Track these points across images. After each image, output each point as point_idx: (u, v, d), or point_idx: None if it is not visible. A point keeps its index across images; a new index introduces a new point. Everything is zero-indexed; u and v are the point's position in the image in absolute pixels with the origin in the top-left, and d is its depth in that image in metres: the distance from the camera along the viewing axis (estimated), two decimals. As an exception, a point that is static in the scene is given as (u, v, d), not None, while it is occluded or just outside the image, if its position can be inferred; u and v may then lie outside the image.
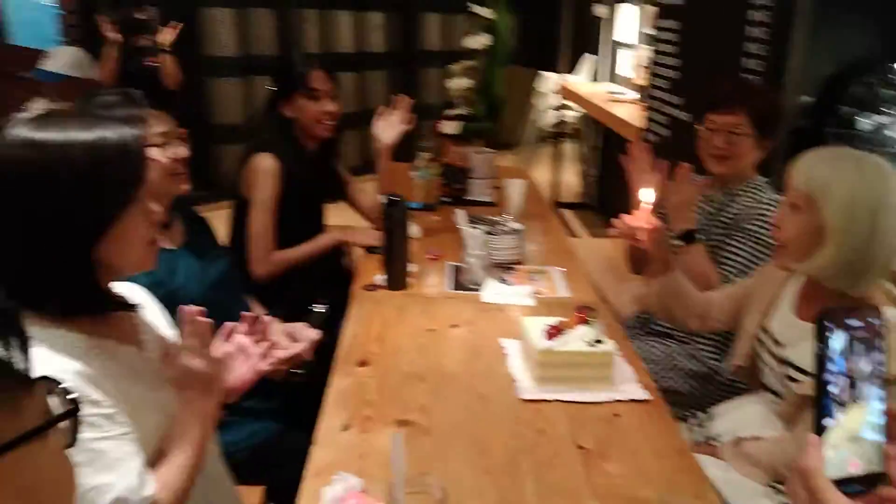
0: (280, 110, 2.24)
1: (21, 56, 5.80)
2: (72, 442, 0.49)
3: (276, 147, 2.20)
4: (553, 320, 1.55)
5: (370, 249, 2.22)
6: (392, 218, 1.93)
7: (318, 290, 1.93)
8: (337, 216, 2.58)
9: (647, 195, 1.66)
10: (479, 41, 3.10)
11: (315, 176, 2.33)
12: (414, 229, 2.25)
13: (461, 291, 1.98)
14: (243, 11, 5.19)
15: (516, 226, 2.24)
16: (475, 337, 1.73)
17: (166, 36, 3.91)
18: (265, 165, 2.16)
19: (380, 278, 1.98)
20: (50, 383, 0.48)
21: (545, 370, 1.49)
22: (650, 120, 3.48)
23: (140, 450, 1.00)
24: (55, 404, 0.48)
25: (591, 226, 4.84)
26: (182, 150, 1.60)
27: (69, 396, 0.49)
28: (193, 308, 1.10)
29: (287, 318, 1.57)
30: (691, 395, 1.92)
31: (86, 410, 0.90)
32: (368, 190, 2.54)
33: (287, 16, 5.40)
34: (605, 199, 5.12)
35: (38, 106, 0.94)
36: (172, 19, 3.98)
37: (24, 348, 0.47)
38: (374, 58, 6.16)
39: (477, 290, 1.96)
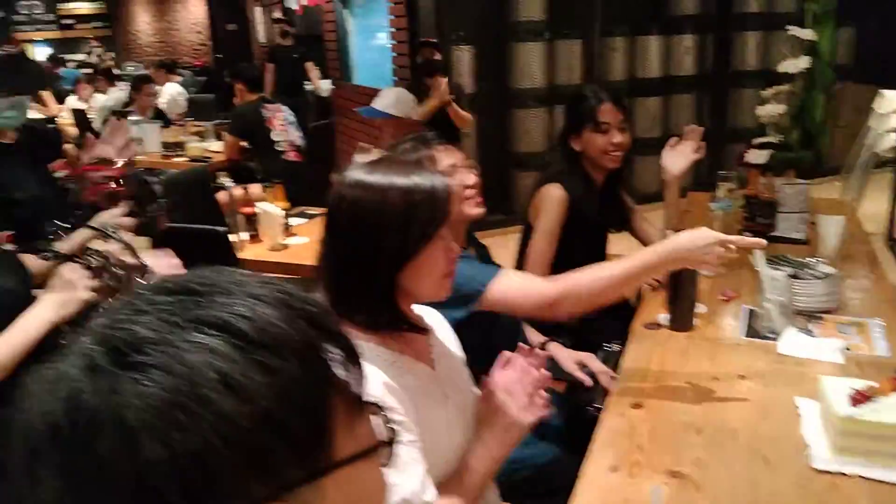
0: (570, 142, 2.28)
1: (360, 94, 6.71)
2: (389, 462, 0.55)
3: (565, 178, 2.25)
4: (860, 384, 1.35)
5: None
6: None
7: (597, 322, 1.93)
8: (618, 247, 2.52)
9: None
10: (796, 65, 2.82)
11: (601, 206, 2.33)
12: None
13: (755, 339, 1.81)
14: (551, 44, 5.37)
15: (829, 269, 2.00)
16: (766, 392, 1.57)
17: (439, 90, 4.14)
18: (552, 195, 2.21)
19: (663, 317, 1.90)
20: (376, 406, 0.55)
21: (848, 440, 1.30)
22: None
23: (423, 458, 1.09)
24: (379, 425, 0.54)
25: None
26: (470, 178, 1.71)
27: (390, 424, 0.55)
28: (518, 357, 1.20)
29: (567, 347, 1.59)
30: None
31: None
32: (654, 221, 2.46)
33: (593, 45, 5.47)
34: (957, 238, 4.30)
35: (370, 153, 1.13)
36: (486, 55, 4.28)
37: (360, 375, 0.53)
38: (681, 81, 5.96)
39: (774, 339, 1.78)
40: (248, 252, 2.73)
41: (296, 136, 4.77)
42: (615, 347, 1.60)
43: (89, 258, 1.31)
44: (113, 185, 1.82)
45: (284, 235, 2.81)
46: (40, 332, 1.28)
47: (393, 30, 5.73)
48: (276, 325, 0.47)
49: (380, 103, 3.28)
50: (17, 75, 1.75)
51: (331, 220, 1.15)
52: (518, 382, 1.31)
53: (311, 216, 3.23)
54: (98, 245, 1.34)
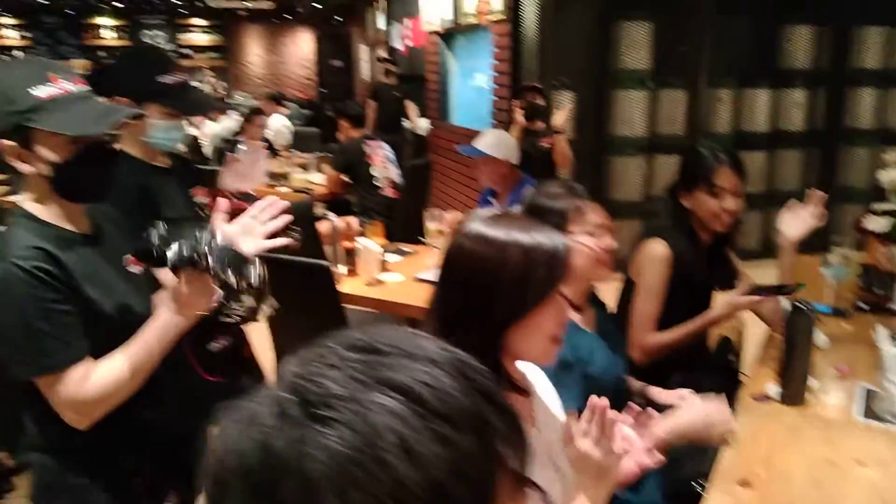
0: (679, 197, 2.22)
1: (457, 134, 6.81)
2: None
3: (670, 234, 2.19)
4: None
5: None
6: (795, 325, 1.75)
7: (700, 383, 1.85)
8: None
9: None
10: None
11: (706, 265, 2.25)
12: (820, 338, 2.01)
13: (873, 421, 1.69)
14: (654, 93, 5.31)
15: (959, 351, 1.84)
16: (889, 483, 1.46)
17: (558, 119, 4.19)
18: (656, 252, 2.15)
19: (773, 389, 1.80)
20: (534, 485, 0.56)
21: None
22: None
23: None
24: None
25: None
26: (610, 241, 1.68)
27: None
28: (602, 401, 1.15)
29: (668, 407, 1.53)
30: None
31: None
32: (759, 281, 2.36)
33: (699, 95, 5.37)
34: None
35: (490, 209, 1.13)
36: (587, 101, 4.27)
37: (523, 452, 0.54)
38: (789, 136, 5.76)
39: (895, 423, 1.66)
40: (345, 286, 2.78)
41: (394, 172, 4.87)
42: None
43: (212, 268, 1.31)
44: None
45: (381, 271, 2.85)
46: (171, 338, 1.33)
47: (495, 73, 5.81)
48: (454, 395, 0.48)
49: (481, 143, 3.30)
50: (185, 101, 1.86)
51: (446, 269, 1.15)
52: (626, 443, 1.26)
53: (405, 253, 3.27)
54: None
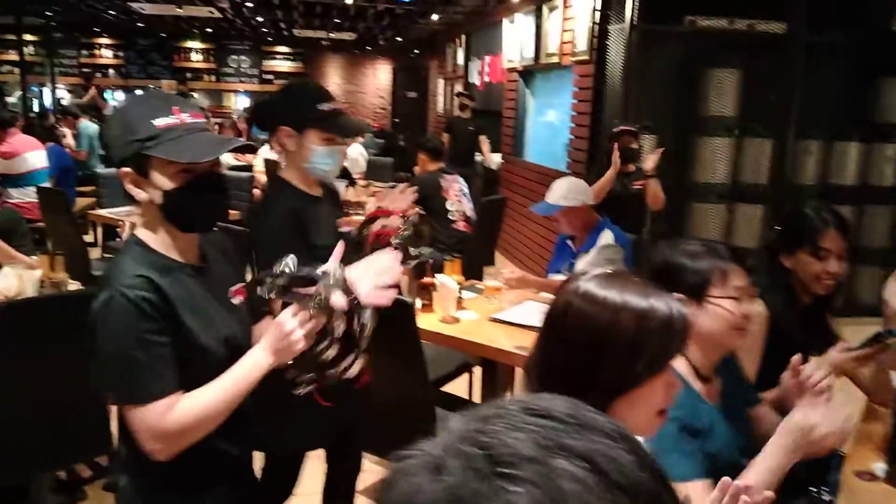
0: (780, 257, 2.13)
1: (530, 171, 6.79)
2: None
3: (768, 294, 2.09)
4: None
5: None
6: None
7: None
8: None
9: None
10: None
11: (804, 327, 2.14)
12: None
13: None
14: (740, 140, 5.18)
15: None
16: None
17: (649, 162, 4.12)
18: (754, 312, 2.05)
19: (880, 467, 1.68)
20: None
21: None
22: None
23: None
24: None
25: None
26: (753, 308, 1.58)
27: None
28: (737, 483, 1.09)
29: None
30: None
31: None
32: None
33: (786, 146, 5.21)
34: None
35: (601, 270, 1.07)
36: (667, 147, 4.20)
37: None
38: (879, 192, 5.52)
39: None
40: (420, 321, 2.76)
41: (468, 206, 4.87)
42: (825, 497, 1.41)
43: (311, 303, 1.32)
44: (394, 234, 1.96)
45: (456, 309, 2.82)
46: (259, 378, 1.33)
47: (574, 113, 5.78)
48: (633, 470, 0.48)
49: (553, 196, 3.25)
50: (341, 125, 1.95)
51: (552, 326, 1.08)
52: None
53: (480, 291, 3.24)
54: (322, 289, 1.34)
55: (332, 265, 1.37)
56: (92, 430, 2.43)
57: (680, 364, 1.50)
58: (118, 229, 3.02)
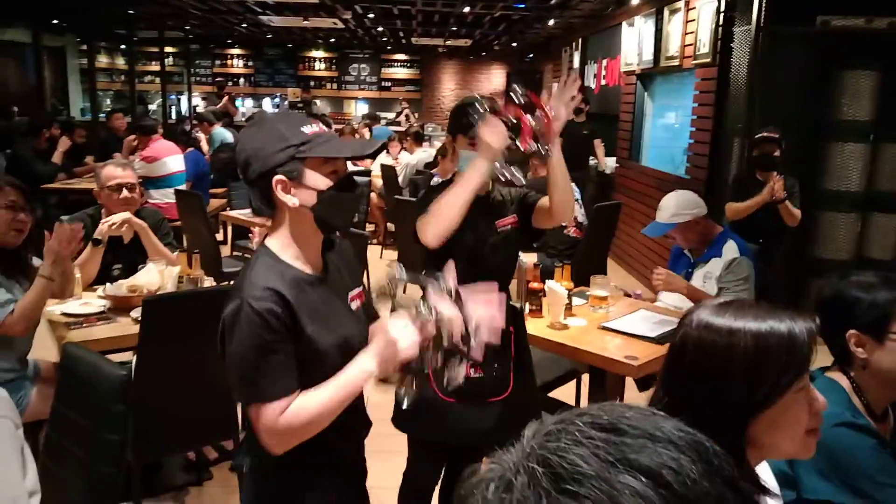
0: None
1: (646, 175, 6.64)
2: None
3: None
4: None
5: None
6: None
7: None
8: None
9: None
10: None
11: None
12: None
13: None
14: (875, 146, 4.85)
15: None
16: None
17: (776, 190, 3.96)
18: None
19: None
20: None
21: None
22: None
23: None
24: None
25: None
26: None
27: None
28: None
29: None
30: None
31: None
32: None
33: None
34: None
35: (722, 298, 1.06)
36: (795, 152, 4.01)
37: None
38: None
39: None
40: (528, 326, 2.78)
41: (579, 212, 4.83)
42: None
43: (418, 311, 1.37)
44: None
45: (566, 315, 2.82)
46: (365, 383, 1.40)
47: (695, 117, 5.61)
48: (698, 482, 0.48)
49: (662, 216, 3.18)
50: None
51: (673, 364, 1.06)
52: None
53: (587, 297, 3.22)
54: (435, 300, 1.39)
55: (443, 276, 1.42)
56: (219, 416, 2.62)
57: (854, 398, 1.46)
58: (250, 233, 3.23)
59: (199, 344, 2.50)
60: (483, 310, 1.42)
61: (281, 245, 1.44)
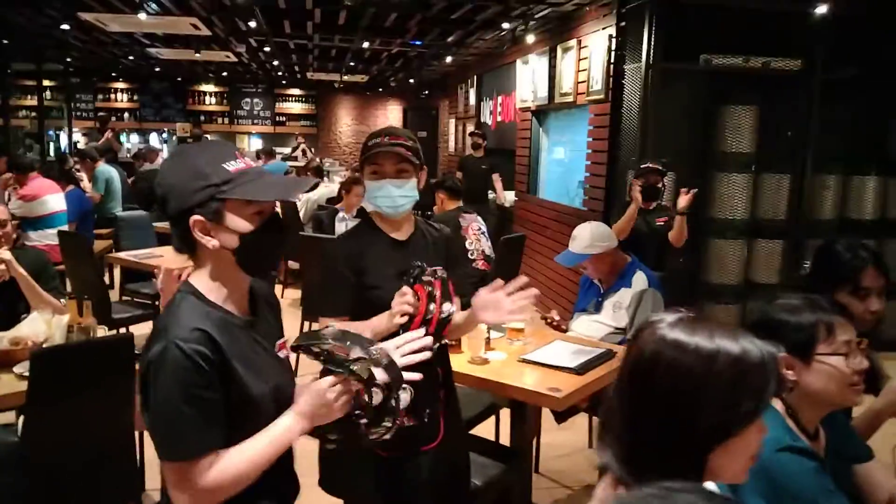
0: (831, 295, 2.10)
1: (546, 208, 6.81)
2: None
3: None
4: None
5: None
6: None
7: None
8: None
9: None
10: None
11: None
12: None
13: None
14: (757, 176, 5.18)
15: None
16: None
17: (683, 201, 4.11)
18: None
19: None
20: None
21: None
22: None
23: None
24: None
25: None
26: (863, 362, 1.51)
27: None
28: None
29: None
30: None
31: None
32: None
33: (803, 181, 5.21)
34: None
35: (674, 314, 1.03)
36: (686, 184, 4.20)
37: None
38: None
39: None
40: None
41: (486, 245, 4.86)
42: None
43: (354, 375, 1.31)
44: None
45: (486, 350, 2.80)
46: (292, 440, 1.31)
47: (590, 151, 5.81)
48: None
49: (577, 245, 3.23)
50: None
51: (639, 377, 1.01)
52: None
53: (504, 330, 3.21)
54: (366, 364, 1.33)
55: (374, 341, 1.39)
56: (120, 478, 2.41)
57: (788, 421, 1.47)
58: (153, 276, 3.04)
59: (96, 399, 2.31)
60: (409, 359, 1.41)
61: (206, 285, 1.33)
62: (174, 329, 1.24)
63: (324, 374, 1.34)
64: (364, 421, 1.34)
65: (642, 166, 4.32)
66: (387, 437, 1.37)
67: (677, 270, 4.87)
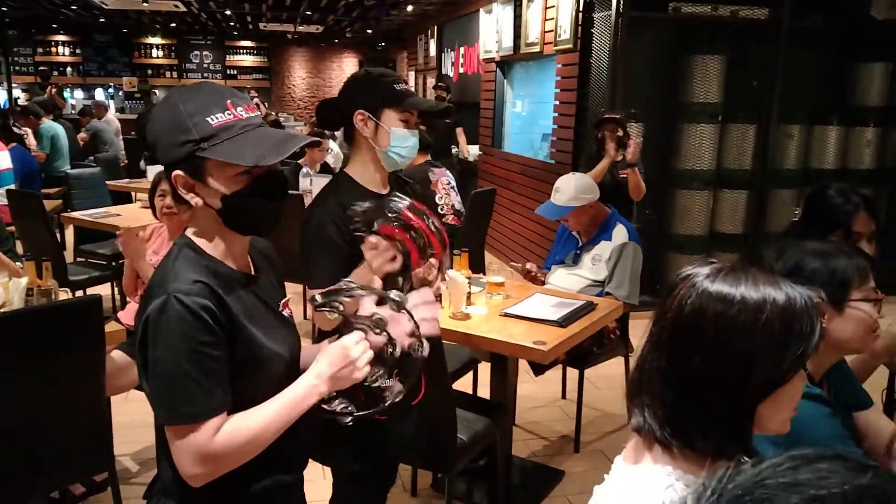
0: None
1: (509, 161, 6.74)
2: None
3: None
4: None
5: None
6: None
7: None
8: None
9: None
10: None
11: None
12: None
13: None
14: (723, 127, 5.19)
15: None
16: None
17: (629, 152, 4.06)
18: None
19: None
20: None
21: None
22: None
23: None
24: None
25: None
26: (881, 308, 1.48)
27: None
28: None
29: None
30: None
31: None
32: None
33: (768, 131, 5.23)
34: None
35: (712, 265, 0.97)
36: (653, 135, 4.16)
37: None
38: (859, 175, 5.59)
39: None
40: (429, 318, 2.68)
41: (456, 199, 4.78)
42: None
43: (373, 328, 1.25)
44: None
45: (467, 304, 2.75)
46: (312, 404, 1.23)
47: (557, 102, 5.73)
48: None
49: (560, 199, 3.17)
50: (416, 103, 1.84)
51: (682, 335, 0.95)
52: None
53: (483, 284, 3.17)
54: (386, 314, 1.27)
55: (393, 291, 1.30)
56: (90, 447, 2.31)
57: None
58: (117, 235, 2.88)
59: (63, 365, 2.19)
60: (426, 311, 1.34)
61: (203, 239, 1.23)
62: (173, 282, 1.14)
63: (340, 335, 1.27)
64: (381, 384, 1.28)
65: (602, 117, 4.25)
66: (400, 397, 1.30)
67: (645, 223, 4.89)
